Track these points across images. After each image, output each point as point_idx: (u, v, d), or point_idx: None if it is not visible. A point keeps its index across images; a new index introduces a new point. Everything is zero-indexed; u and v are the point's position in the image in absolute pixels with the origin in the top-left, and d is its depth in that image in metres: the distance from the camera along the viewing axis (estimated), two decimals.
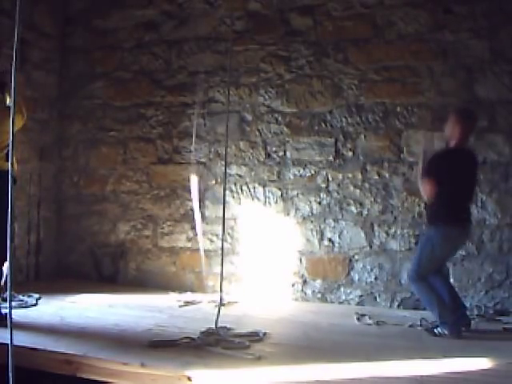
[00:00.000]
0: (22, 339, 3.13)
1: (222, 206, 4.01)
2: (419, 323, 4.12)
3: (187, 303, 4.79)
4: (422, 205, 4.80)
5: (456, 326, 3.79)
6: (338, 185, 5.09)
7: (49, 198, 5.87)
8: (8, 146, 3.56)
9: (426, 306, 4.05)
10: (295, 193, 5.21)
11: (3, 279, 3.84)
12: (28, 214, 5.55)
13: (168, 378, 2.88)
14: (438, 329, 3.84)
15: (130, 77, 5.81)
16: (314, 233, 5.13)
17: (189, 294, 5.20)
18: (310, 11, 5.22)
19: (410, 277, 4.04)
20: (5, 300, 4.24)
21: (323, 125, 5.16)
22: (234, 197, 5.36)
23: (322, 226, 5.11)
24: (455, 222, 3.87)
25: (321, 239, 5.11)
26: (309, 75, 5.22)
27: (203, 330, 3.61)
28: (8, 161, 3.60)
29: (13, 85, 2.07)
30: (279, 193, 5.26)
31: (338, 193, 5.09)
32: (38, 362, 3.12)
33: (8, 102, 3.80)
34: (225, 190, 4.10)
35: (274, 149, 5.30)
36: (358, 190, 5.04)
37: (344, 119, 5.10)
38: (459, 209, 3.92)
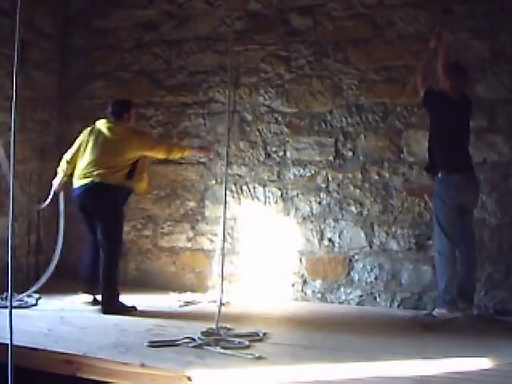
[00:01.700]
0: (22, 339, 3.13)
1: (221, 206, 4.02)
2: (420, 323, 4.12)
3: (187, 303, 4.79)
4: (422, 204, 4.81)
5: (455, 303, 3.82)
6: (338, 185, 5.09)
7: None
8: (132, 166, 4.37)
9: (437, 272, 4.07)
10: (295, 193, 5.21)
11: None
12: (28, 214, 5.55)
13: (168, 377, 2.88)
14: (436, 309, 3.87)
15: (130, 77, 5.82)
16: (314, 233, 5.13)
17: (189, 294, 5.21)
18: (310, 11, 5.23)
19: (435, 239, 4.06)
20: (5, 300, 4.26)
21: (323, 125, 5.17)
22: (234, 197, 5.36)
23: (322, 226, 5.11)
24: (454, 169, 3.99)
25: (321, 239, 5.11)
26: (309, 75, 5.22)
27: (203, 330, 3.61)
28: (131, 178, 4.38)
29: (14, 86, 2.07)
30: (279, 193, 5.26)
31: (338, 193, 5.09)
32: (38, 362, 3.12)
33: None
34: (225, 189, 4.10)
35: (274, 149, 5.30)
36: (357, 190, 5.04)
37: (344, 119, 5.10)
38: (456, 156, 4.01)
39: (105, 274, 4.31)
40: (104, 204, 4.34)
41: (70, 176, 4.53)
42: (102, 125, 4.46)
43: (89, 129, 4.52)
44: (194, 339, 3.43)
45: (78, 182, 4.40)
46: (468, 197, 4.07)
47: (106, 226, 4.35)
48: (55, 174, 4.84)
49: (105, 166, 4.30)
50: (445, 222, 3.96)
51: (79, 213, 4.49)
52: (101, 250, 4.35)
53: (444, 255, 3.94)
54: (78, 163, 4.45)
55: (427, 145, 4.28)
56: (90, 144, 4.41)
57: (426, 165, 4.36)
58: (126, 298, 4.79)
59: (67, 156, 4.56)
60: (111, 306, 4.28)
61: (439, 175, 4.08)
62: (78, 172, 4.43)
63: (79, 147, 4.49)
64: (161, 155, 4.58)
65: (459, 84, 4.08)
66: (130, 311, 4.30)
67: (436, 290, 4.36)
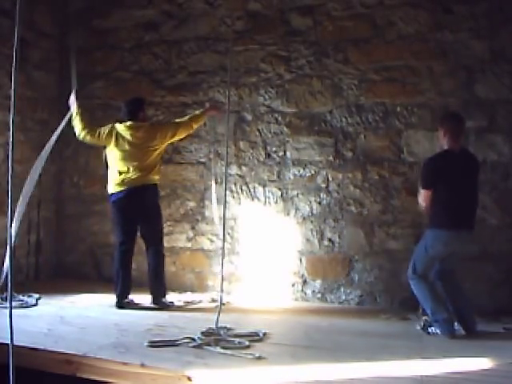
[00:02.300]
0: (22, 339, 3.13)
1: (222, 206, 4.02)
2: (421, 323, 4.11)
3: (187, 303, 4.80)
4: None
5: (448, 324, 3.80)
6: (338, 185, 5.09)
7: (49, 197, 5.87)
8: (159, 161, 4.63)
9: (420, 302, 4.01)
10: (295, 193, 5.21)
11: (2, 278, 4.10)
12: (28, 214, 5.53)
13: (168, 377, 2.88)
14: (432, 328, 3.88)
15: (130, 77, 5.82)
16: (314, 233, 5.13)
17: (189, 294, 5.21)
18: (310, 11, 5.22)
19: (408, 274, 4.04)
20: (5, 300, 4.26)
21: (323, 125, 5.16)
22: (234, 197, 5.36)
23: (322, 226, 5.11)
24: (448, 225, 3.84)
25: (321, 239, 5.11)
26: (309, 75, 5.22)
27: (203, 330, 3.61)
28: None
29: (13, 85, 2.07)
30: (279, 193, 5.26)
31: (338, 193, 5.09)
32: (38, 362, 3.12)
33: None
34: (225, 189, 4.10)
35: (273, 149, 5.30)
36: (357, 190, 5.04)
37: (344, 119, 5.10)
38: (455, 212, 3.84)
39: (157, 272, 4.60)
40: (148, 206, 4.55)
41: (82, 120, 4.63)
42: (123, 131, 4.52)
43: (108, 130, 4.54)
44: (194, 339, 3.43)
45: (115, 188, 4.53)
46: (453, 249, 3.94)
47: (153, 227, 4.64)
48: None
49: (141, 168, 4.46)
50: (420, 268, 3.90)
51: (120, 217, 4.61)
52: (150, 250, 4.66)
53: (418, 287, 3.94)
54: (111, 169, 4.57)
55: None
56: (118, 151, 4.51)
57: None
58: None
59: (92, 129, 4.60)
60: (163, 302, 4.56)
61: (431, 227, 3.94)
62: (113, 178, 4.54)
63: (100, 135, 4.56)
64: (184, 134, 4.70)
65: (455, 132, 3.91)
66: (171, 307, 4.61)
67: None
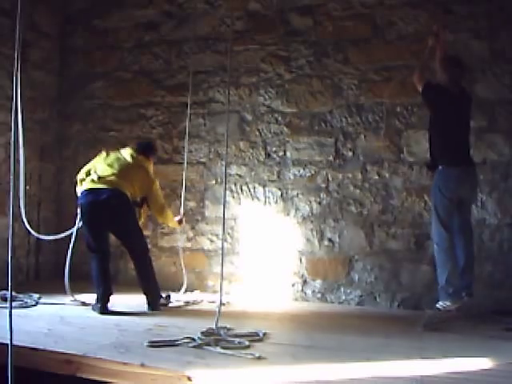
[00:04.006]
0: (22, 339, 3.13)
1: (221, 206, 4.02)
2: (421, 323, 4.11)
3: (187, 303, 4.80)
4: (422, 204, 4.81)
5: (458, 295, 3.81)
6: (338, 185, 5.09)
7: (49, 197, 5.87)
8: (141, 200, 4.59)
9: (437, 265, 4.01)
10: (295, 193, 5.21)
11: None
12: (28, 214, 5.54)
13: (168, 377, 2.88)
14: (440, 303, 3.86)
15: (130, 77, 5.83)
16: (314, 233, 5.13)
17: (189, 293, 5.21)
18: (310, 11, 5.23)
19: (433, 232, 4.03)
20: (5, 300, 4.26)
21: (323, 125, 5.17)
22: (233, 197, 5.36)
23: (322, 226, 5.11)
24: (453, 162, 3.98)
25: (321, 239, 5.11)
26: (309, 75, 5.23)
27: (203, 330, 3.61)
28: (140, 206, 4.59)
29: (14, 85, 2.07)
30: (279, 193, 5.26)
31: (338, 193, 5.09)
32: (38, 362, 3.12)
33: None
34: (225, 190, 4.10)
35: (274, 149, 5.30)
36: (357, 190, 5.04)
37: (344, 119, 5.11)
38: (456, 150, 4.00)
39: (148, 275, 4.55)
40: (124, 209, 4.43)
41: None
42: (124, 150, 4.58)
43: (104, 154, 4.58)
44: (194, 339, 3.42)
45: (89, 185, 4.46)
46: (467, 189, 4.06)
47: (134, 240, 4.54)
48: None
49: (121, 179, 4.40)
50: (443, 214, 3.95)
51: (90, 218, 4.49)
52: (135, 259, 4.58)
53: (443, 248, 3.93)
54: (93, 172, 4.51)
55: (428, 139, 4.24)
56: (108, 160, 4.50)
57: (427, 161, 4.33)
58: (127, 298, 4.80)
59: (81, 175, 4.62)
60: (158, 304, 4.52)
61: (439, 168, 4.06)
62: (92, 178, 4.47)
63: (91, 168, 4.55)
64: (154, 205, 4.62)
65: (457, 76, 4.10)
66: (170, 302, 4.67)
67: (436, 284, 4.27)
